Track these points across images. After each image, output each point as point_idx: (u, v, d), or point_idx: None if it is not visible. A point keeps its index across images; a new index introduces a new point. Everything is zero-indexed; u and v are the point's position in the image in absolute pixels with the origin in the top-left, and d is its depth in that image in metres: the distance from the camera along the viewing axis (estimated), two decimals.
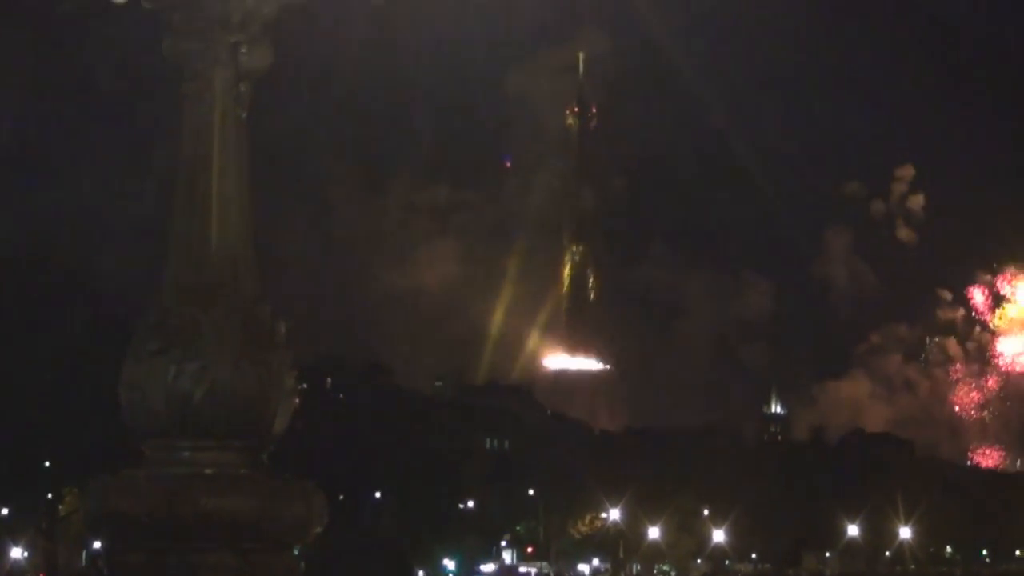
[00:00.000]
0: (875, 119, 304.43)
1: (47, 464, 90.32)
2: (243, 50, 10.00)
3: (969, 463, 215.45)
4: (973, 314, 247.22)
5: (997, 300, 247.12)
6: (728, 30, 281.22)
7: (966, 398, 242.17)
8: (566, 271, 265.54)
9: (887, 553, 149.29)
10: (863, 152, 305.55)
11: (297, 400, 10.03)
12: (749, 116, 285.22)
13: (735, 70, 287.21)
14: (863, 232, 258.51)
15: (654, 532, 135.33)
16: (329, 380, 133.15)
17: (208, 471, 9.63)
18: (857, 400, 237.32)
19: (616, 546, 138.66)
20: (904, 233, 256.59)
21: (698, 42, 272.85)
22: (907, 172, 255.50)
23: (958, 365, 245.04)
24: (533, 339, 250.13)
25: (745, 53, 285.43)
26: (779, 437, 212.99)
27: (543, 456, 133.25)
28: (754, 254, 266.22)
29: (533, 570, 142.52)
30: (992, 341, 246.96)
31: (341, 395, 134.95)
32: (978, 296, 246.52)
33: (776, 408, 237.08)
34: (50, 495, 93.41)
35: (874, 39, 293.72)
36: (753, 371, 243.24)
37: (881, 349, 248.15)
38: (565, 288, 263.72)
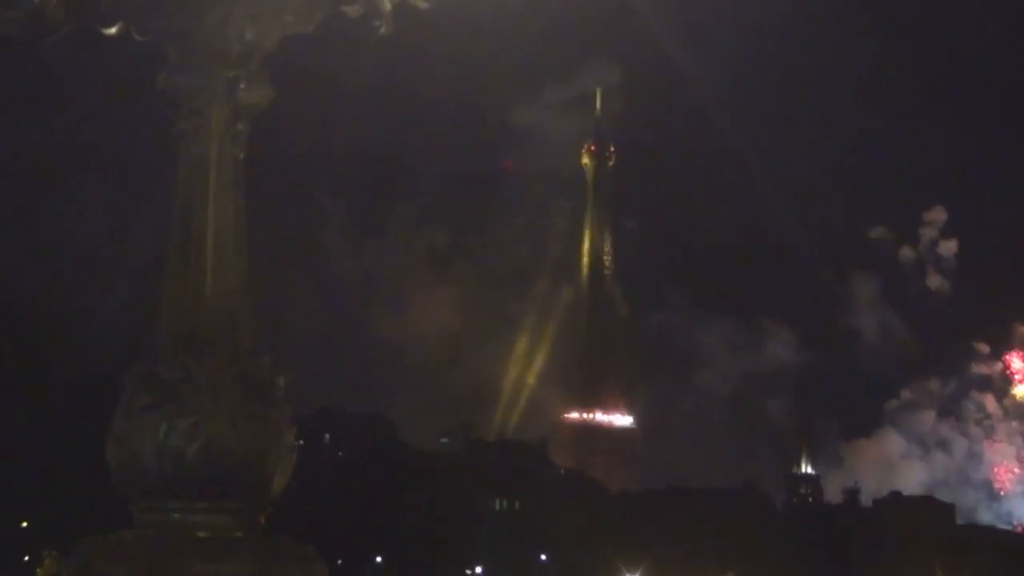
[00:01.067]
0: (902, 159, 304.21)
1: (24, 524, 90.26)
2: (242, 86, 10.01)
3: (1012, 528, 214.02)
4: (1015, 379, 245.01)
5: None
6: (749, 71, 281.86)
7: (1007, 473, 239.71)
8: (580, 320, 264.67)
9: None
10: (890, 194, 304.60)
11: (295, 457, 10.02)
12: (772, 158, 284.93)
13: (760, 118, 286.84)
14: (891, 280, 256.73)
15: None
16: (327, 435, 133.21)
17: (201, 534, 9.61)
18: (889, 460, 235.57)
19: None
20: (935, 281, 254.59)
21: (720, 80, 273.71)
22: (938, 216, 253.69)
23: (997, 429, 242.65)
24: (546, 393, 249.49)
25: (767, 95, 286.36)
26: (810, 499, 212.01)
27: (556, 518, 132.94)
28: (775, 302, 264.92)
29: None
30: None
31: (340, 452, 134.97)
32: (1017, 363, 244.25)
33: (806, 468, 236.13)
34: (27, 557, 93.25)
35: (902, 79, 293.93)
36: (780, 428, 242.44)
37: (913, 405, 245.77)
38: (580, 339, 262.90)
